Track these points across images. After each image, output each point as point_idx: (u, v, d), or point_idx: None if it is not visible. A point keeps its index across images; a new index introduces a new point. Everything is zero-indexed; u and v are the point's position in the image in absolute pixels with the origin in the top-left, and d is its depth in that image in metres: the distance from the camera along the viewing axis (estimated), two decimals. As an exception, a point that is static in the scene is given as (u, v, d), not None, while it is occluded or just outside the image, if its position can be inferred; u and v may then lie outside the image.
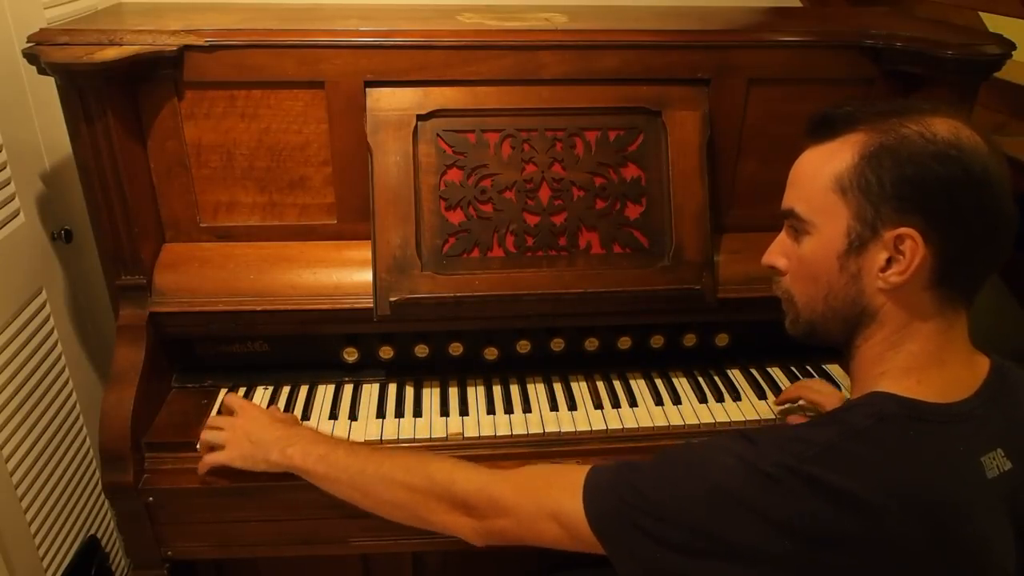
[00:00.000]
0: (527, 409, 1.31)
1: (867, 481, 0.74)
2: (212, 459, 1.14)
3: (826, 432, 0.78)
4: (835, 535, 0.73)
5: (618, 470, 0.86)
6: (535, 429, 1.27)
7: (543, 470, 0.97)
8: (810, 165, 0.87)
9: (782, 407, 1.32)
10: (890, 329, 0.83)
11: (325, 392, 1.34)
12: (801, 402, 1.31)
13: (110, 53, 1.13)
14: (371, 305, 1.27)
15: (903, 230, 0.78)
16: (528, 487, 0.93)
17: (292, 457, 1.07)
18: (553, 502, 0.89)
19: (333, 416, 1.28)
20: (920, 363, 0.82)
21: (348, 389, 1.35)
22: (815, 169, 0.85)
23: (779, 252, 0.93)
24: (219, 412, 1.26)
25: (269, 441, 1.10)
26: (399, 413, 1.29)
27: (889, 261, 0.80)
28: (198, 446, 1.19)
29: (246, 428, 1.14)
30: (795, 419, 1.28)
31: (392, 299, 1.25)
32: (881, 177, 0.79)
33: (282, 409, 1.29)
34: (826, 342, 0.92)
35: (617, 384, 1.37)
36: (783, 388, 1.37)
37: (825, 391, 1.28)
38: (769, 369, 1.43)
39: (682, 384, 1.38)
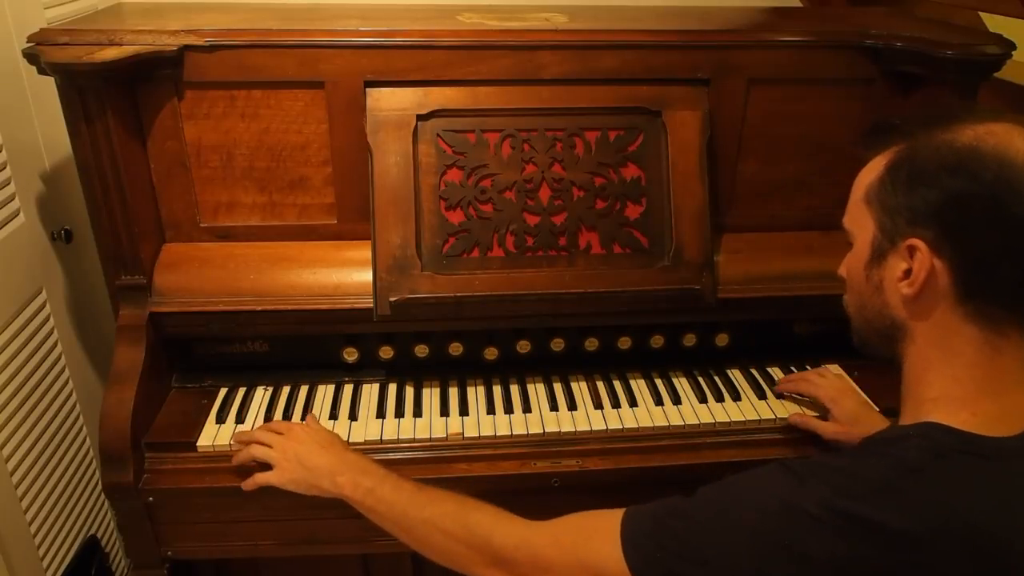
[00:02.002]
0: (527, 409, 1.31)
1: (923, 522, 0.71)
2: (263, 479, 1.14)
3: (877, 467, 0.75)
4: None
5: (656, 515, 0.84)
6: (535, 429, 1.27)
7: (580, 520, 0.93)
8: (857, 179, 0.88)
9: (782, 395, 1.34)
10: (922, 345, 0.81)
11: (325, 392, 1.34)
12: (799, 395, 1.33)
13: (110, 53, 1.13)
14: (371, 305, 1.27)
15: (912, 240, 0.78)
16: (567, 540, 0.91)
17: (343, 487, 1.07)
18: (594, 554, 0.86)
19: (333, 416, 1.28)
20: (970, 392, 0.79)
21: (348, 389, 1.35)
22: (858, 182, 0.87)
23: (844, 264, 0.92)
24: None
25: (321, 469, 1.10)
26: (399, 413, 1.29)
27: (908, 273, 0.79)
28: (233, 460, 1.17)
29: (297, 451, 1.12)
30: (798, 414, 1.29)
31: (392, 299, 1.25)
32: (897, 187, 0.79)
33: (282, 409, 1.29)
34: (876, 356, 0.90)
35: (617, 384, 1.37)
36: (783, 388, 1.37)
37: (823, 384, 1.29)
38: (769, 369, 1.42)
39: (682, 384, 1.38)
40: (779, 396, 1.35)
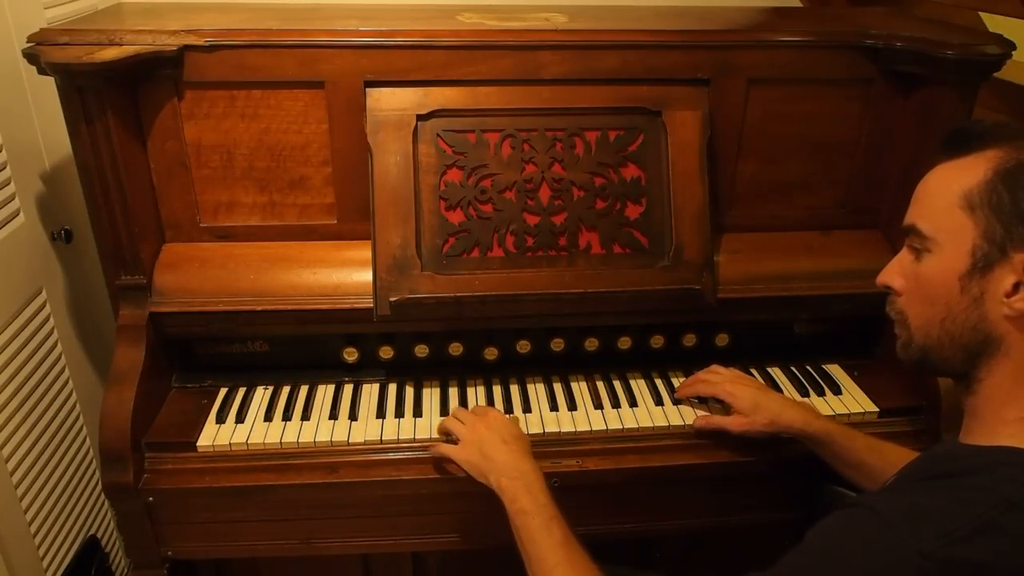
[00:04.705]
0: (527, 409, 1.31)
1: (1021, 555, 0.69)
2: (446, 449, 1.18)
3: (975, 503, 0.72)
4: None
5: None
6: (535, 429, 1.27)
7: None
8: (938, 181, 0.83)
9: (683, 400, 1.32)
10: (1017, 362, 0.78)
11: (325, 392, 1.34)
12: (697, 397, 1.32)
13: (110, 53, 1.13)
14: (371, 305, 1.27)
15: None
16: None
17: (504, 491, 1.06)
18: None
19: (333, 416, 1.28)
20: None
21: (348, 389, 1.35)
22: (943, 185, 0.81)
23: (897, 271, 0.87)
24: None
25: (494, 463, 1.10)
26: (399, 413, 1.29)
27: (1017, 286, 0.75)
28: (436, 432, 1.23)
29: (481, 436, 1.14)
30: (702, 416, 1.27)
31: (392, 299, 1.25)
32: (1016, 195, 0.75)
33: (282, 409, 1.29)
34: (941, 371, 0.87)
35: (617, 384, 1.37)
36: (783, 388, 1.37)
37: (718, 380, 1.27)
38: (769, 369, 1.42)
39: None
40: (677, 403, 1.33)
